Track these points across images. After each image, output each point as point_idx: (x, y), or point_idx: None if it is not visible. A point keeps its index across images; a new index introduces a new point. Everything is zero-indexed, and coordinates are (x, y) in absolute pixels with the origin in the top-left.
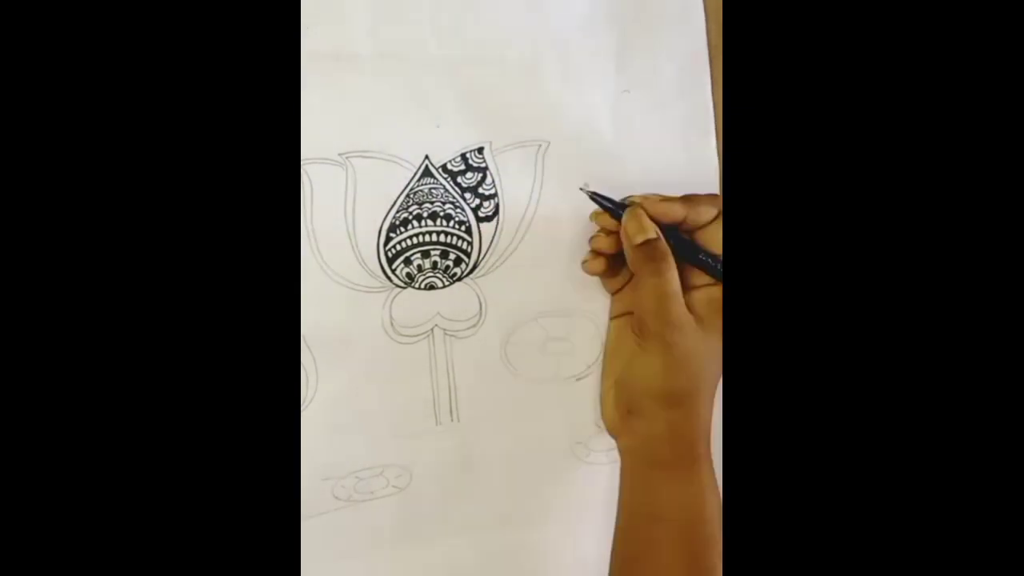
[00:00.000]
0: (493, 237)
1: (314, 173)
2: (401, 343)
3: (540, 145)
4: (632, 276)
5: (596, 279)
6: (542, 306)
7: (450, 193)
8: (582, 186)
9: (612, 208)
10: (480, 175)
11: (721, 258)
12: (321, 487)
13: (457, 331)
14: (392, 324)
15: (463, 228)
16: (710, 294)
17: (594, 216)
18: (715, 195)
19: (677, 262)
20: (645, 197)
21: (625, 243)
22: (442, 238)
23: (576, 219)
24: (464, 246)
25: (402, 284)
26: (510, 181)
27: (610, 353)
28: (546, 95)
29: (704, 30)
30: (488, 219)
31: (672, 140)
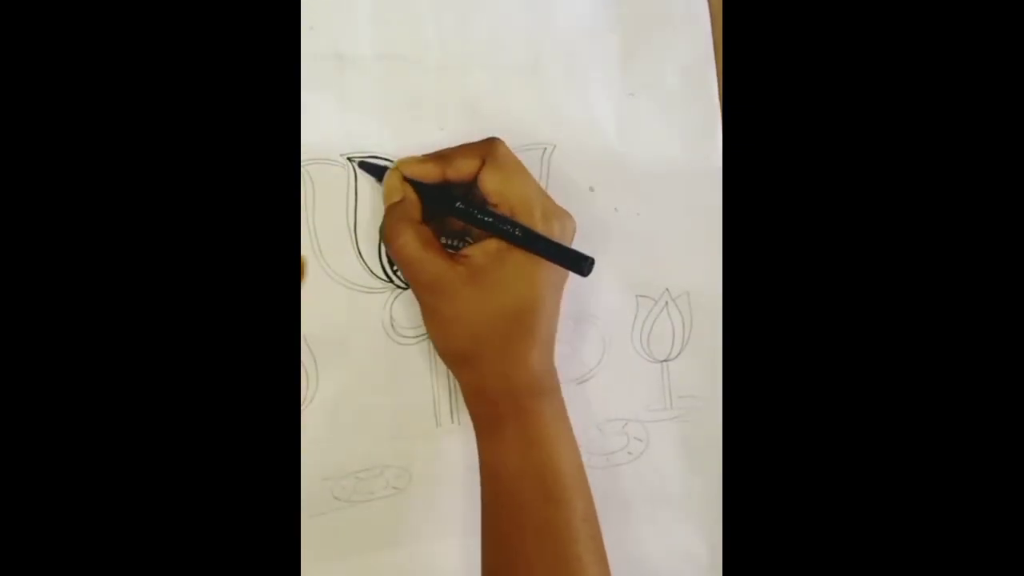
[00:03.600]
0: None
1: (316, 174)
2: (401, 344)
3: (545, 148)
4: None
5: None
6: None
7: None
8: (350, 156)
9: (378, 173)
10: None
11: (489, 206)
12: (321, 487)
13: None
14: (393, 325)
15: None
16: (485, 248)
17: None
18: (473, 144)
19: (448, 220)
20: (404, 159)
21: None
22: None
23: (579, 222)
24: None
25: (403, 285)
26: None
27: None
28: (550, 98)
29: (709, 33)
30: None
31: (678, 144)
